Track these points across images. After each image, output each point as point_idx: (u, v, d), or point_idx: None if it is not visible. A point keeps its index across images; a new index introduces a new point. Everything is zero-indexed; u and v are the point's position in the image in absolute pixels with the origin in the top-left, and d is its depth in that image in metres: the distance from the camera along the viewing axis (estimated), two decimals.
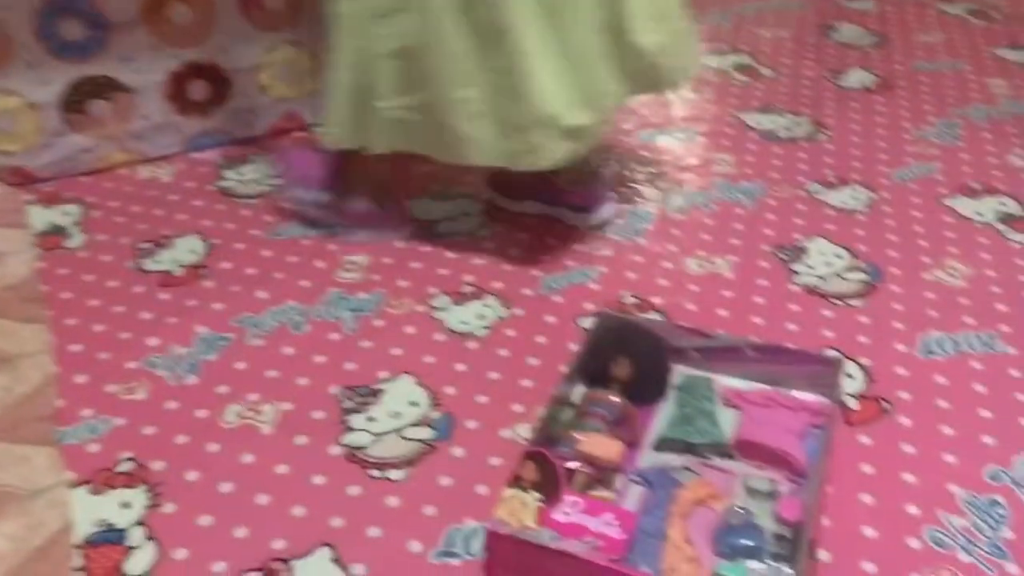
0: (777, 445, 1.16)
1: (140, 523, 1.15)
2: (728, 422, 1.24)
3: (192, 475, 1.21)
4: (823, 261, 1.60)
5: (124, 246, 1.64)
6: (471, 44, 1.24)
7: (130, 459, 1.23)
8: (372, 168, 1.58)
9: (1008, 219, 1.72)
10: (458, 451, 1.25)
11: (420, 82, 1.30)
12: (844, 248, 1.64)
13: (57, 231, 1.67)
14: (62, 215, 1.71)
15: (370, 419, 1.30)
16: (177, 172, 1.85)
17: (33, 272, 1.57)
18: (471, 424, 1.29)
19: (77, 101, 1.74)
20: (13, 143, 1.74)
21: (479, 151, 1.35)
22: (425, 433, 1.27)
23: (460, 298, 1.52)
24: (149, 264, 1.60)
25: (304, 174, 1.66)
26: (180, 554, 1.11)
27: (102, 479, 1.21)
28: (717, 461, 1.19)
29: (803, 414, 1.23)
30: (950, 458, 1.23)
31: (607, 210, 1.68)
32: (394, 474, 1.22)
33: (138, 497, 1.18)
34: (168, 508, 1.17)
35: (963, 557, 1.10)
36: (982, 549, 1.11)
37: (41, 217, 1.70)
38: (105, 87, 1.75)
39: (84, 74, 1.73)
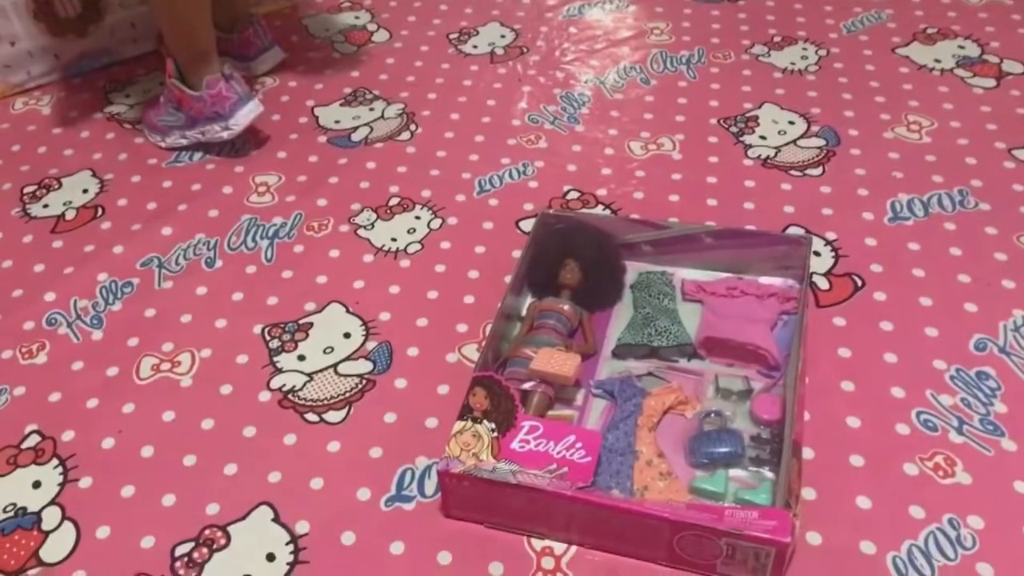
0: (746, 339, 1.06)
1: (54, 503, 1.04)
2: (691, 319, 1.14)
3: (108, 442, 1.09)
4: (776, 130, 1.48)
5: (6, 192, 1.47)
6: None
7: (36, 432, 1.11)
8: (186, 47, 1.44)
9: (968, 63, 1.60)
10: (400, 383, 1.13)
11: None
12: (797, 113, 1.52)
13: None
14: None
15: (300, 358, 1.17)
16: (57, 102, 1.66)
17: None
18: (412, 351, 1.17)
19: None
20: None
21: None
22: (362, 367, 1.16)
23: (386, 212, 1.38)
24: (37, 209, 1.44)
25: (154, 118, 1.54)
26: (103, 532, 1.01)
27: (6, 458, 1.09)
28: (683, 363, 1.09)
29: (771, 301, 1.13)
30: (932, 331, 1.14)
31: (270, 56, 1.68)
32: (332, 416, 1.10)
33: (49, 474, 1.07)
34: (84, 482, 1.06)
35: (955, 438, 1.02)
36: (975, 427, 1.03)
37: None
38: None
39: None
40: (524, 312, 1.17)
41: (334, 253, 1.32)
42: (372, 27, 1.81)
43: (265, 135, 1.54)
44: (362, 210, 1.39)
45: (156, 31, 1.73)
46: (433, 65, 1.69)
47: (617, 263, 1.19)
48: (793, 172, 1.40)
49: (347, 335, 1.20)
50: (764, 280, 1.17)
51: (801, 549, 0.93)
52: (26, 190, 1.47)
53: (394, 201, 1.40)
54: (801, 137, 1.47)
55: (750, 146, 1.45)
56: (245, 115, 1.45)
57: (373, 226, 1.36)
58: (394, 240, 1.33)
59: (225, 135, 1.46)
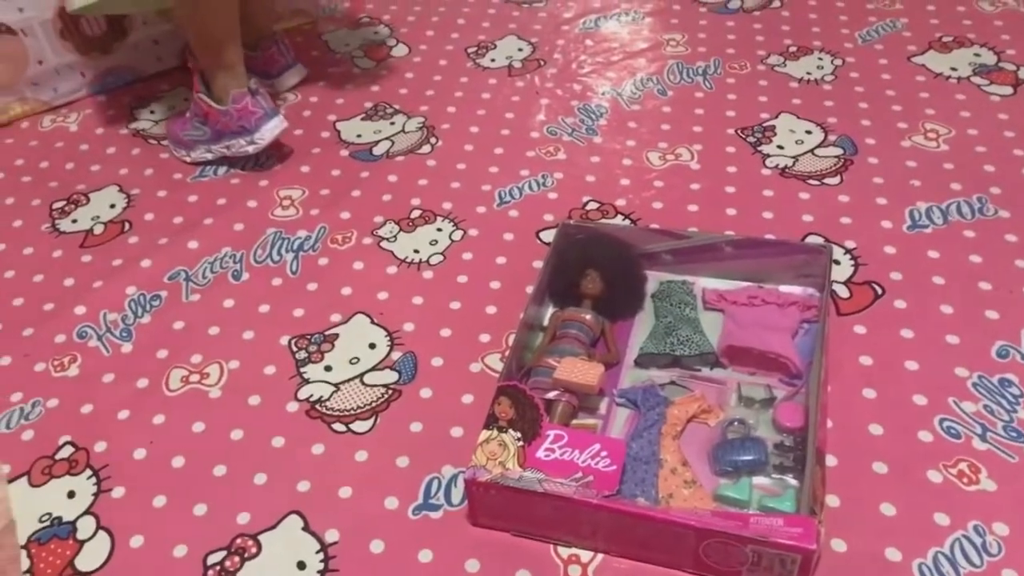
0: (768, 347, 1.07)
1: (89, 512, 1.06)
2: (713, 328, 1.15)
3: (139, 452, 1.11)
4: (793, 139, 1.49)
5: (36, 208, 1.50)
6: None
7: (70, 443, 1.13)
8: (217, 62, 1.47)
9: (984, 71, 1.61)
10: (425, 392, 1.15)
11: None
12: (814, 123, 1.53)
13: None
14: None
15: (327, 368, 1.19)
16: (84, 119, 1.69)
17: None
18: (436, 361, 1.18)
19: None
20: None
21: None
22: (388, 377, 1.17)
23: (409, 225, 1.40)
24: (66, 225, 1.46)
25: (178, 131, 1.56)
26: (136, 541, 1.02)
27: (41, 468, 1.11)
28: (706, 372, 1.11)
29: (792, 309, 1.14)
30: (953, 339, 1.14)
31: (294, 73, 1.70)
32: (359, 426, 1.12)
33: (83, 484, 1.09)
34: (117, 492, 1.07)
35: (979, 445, 1.03)
36: (999, 434, 1.04)
37: None
38: None
39: None
40: (546, 322, 1.19)
41: (358, 265, 1.34)
42: (391, 42, 1.83)
43: (288, 149, 1.56)
44: (385, 222, 1.40)
45: (180, 48, 1.76)
46: (452, 79, 1.72)
47: (638, 273, 1.21)
48: (811, 181, 1.41)
49: (372, 345, 1.21)
50: (784, 289, 1.18)
51: (826, 556, 0.94)
52: (55, 206, 1.50)
53: (416, 213, 1.42)
54: (818, 146, 1.48)
55: (768, 156, 1.47)
56: (270, 130, 1.47)
57: (396, 238, 1.38)
58: (416, 252, 1.35)
59: (250, 149, 1.48)
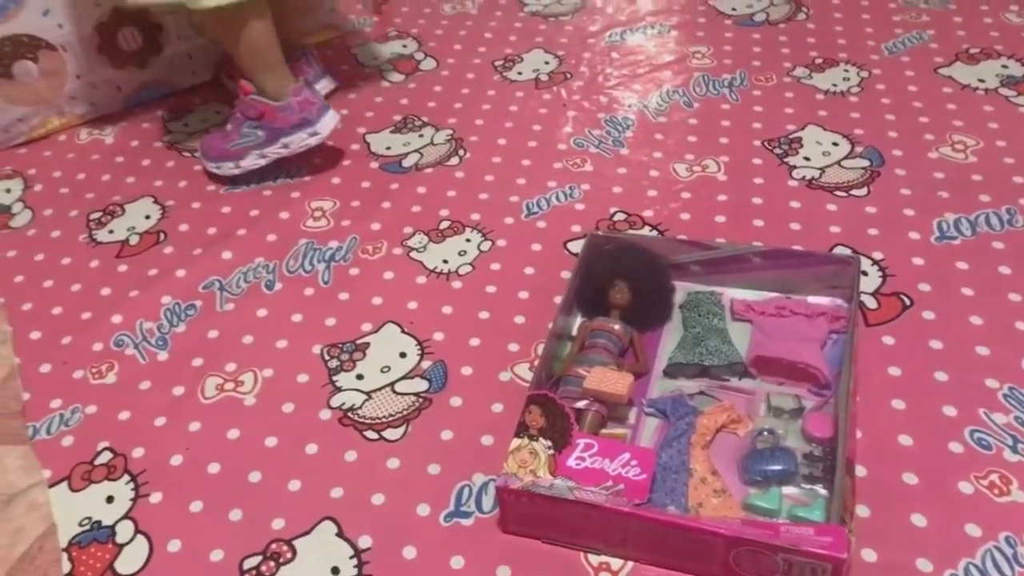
0: (797, 357, 1.08)
1: (127, 517, 1.08)
2: (741, 338, 1.16)
3: (176, 459, 1.13)
4: (820, 151, 1.50)
5: (73, 219, 1.53)
6: None
7: (108, 449, 1.16)
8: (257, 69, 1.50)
9: (1012, 82, 1.61)
10: (456, 401, 1.16)
11: None
12: (840, 134, 1.53)
13: (0, 210, 1.55)
14: (3, 192, 1.59)
15: (358, 376, 1.21)
16: (119, 131, 1.72)
17: None
18: (466, 370, 1.20)
19: (2, 64, 1.60)
20: None
21: None
22: (419, 385, 1.19)
23: (438, 235, 1.42)
24: (102, 235, 1.49)
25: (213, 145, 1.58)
26: (174, 546, 1.04)
27: (81, 473, 1.13)
28: (734, 382, 1.11)
29: (820, 320, 1.14)
30: (983, 350, 1.15)
31: (323, 86, 1.70)
32: (391, 433, 1.13)
33: (121, 489, 1.11)
34: (155, 497, 1.09)
35: (1010, 456, 1.03)
36: None
37: None
38: (29, 46, 1.61)
39: (4, 34, 1.58)
40: (575, 332, 1.20)
41: (388, 275, 1.36)
42: (419, 56, 1.86)
43: (319, 162, 1.59)
44: (414, 233, 1.42)
45: (213, 62, 1.79)
46: (479, 92, 1.74)
47: (666, 283, 1.22)
48: (838, 192, 1.41)
49: (403, 355, 1.23)
50: (813, 300, 1.18)
51: (857, 566, 0.94)
52: (92, 216, 1.53)
53: (445, 224, 1.44)
54: (845, 158, 1.48)
55: (794, 167, 1.47)
56: (330, 120, 1.50)
57: (425, 248, 1.39)
58: (446, 262, 1.37)
59: (313, 141, 1.50)
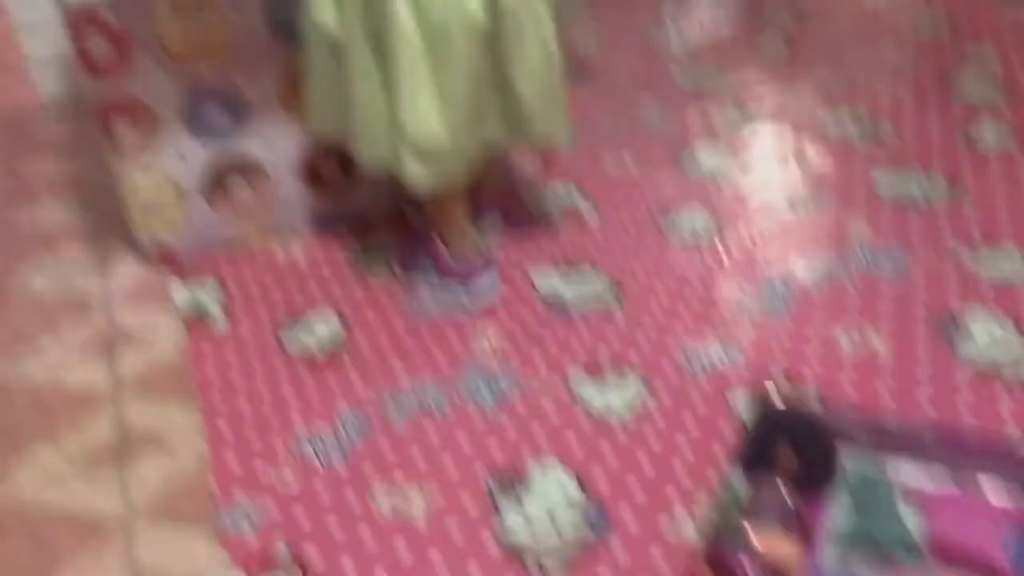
0: (977, 545, 1.07)
1: None
2: (912, 519, 1.15)
3: (347, 561, 1.20)
4: (985, 330, 1.51)
5: (264, 327, 1.66)
6: (374, 63, 1.49)
7: (284, 544, 1.23)
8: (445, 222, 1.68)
9: None
10: (616, 544, 1.20)
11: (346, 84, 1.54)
12: (1008, 318, 1.54)
13: (201, 312, 1.71)
14: (205, 296, 1.75)
15: (522, 514, 1.26)
16: (309, 249, 1.88)
17: (181, 353, 1.61)
18: (627, 515, 1.24)
19: (219, 183, 1.79)
20: (159, 224, 1.80)
21: (367, 148, 1.56)
22: (582, 530, 1.23)
23: (598, 376, 1.49)
24: (289, 344, 1.61)
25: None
26: None
27: (258, 565, 1.21)
28: (907, 562, 1.10)
29: (998, 509, 1.13)
30: None
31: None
32: (553, 566, 1.17)
33: None
34: None
35: None
36: None
37: (185, 298, 1.75)
38: (245, 169, 1.80)
39: (226, 155, 1.78)
40: (743, 493, 1.22)
41: (550, 409, 1.43)
42: (582, 203, 1.96)
43: (489, 297, 1.70)
44: (576, 371, 1.50)
45: (405, 199, 1.94)
46: (638, 242, 1.82)
47: (835, 457, 1.24)
48: (1006, 374, 1.42)
49: (564, 490, 1.28)
50: (988, 485, 1.17)
51: None
52: (280, 326, 1.66)
53: (607, 366, 1.51)
54: (1012, 343, 1.48)
55: (959, 347, 1.48)
56: (487, 287, 1.67)
57: (585, 387, 1.46)
58: (607, 406, 1.43)
59: (465, 301, 1.65)
